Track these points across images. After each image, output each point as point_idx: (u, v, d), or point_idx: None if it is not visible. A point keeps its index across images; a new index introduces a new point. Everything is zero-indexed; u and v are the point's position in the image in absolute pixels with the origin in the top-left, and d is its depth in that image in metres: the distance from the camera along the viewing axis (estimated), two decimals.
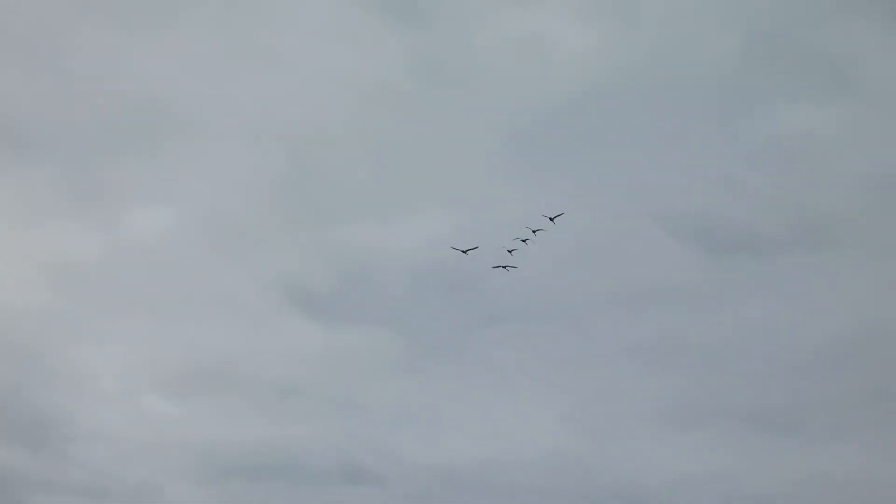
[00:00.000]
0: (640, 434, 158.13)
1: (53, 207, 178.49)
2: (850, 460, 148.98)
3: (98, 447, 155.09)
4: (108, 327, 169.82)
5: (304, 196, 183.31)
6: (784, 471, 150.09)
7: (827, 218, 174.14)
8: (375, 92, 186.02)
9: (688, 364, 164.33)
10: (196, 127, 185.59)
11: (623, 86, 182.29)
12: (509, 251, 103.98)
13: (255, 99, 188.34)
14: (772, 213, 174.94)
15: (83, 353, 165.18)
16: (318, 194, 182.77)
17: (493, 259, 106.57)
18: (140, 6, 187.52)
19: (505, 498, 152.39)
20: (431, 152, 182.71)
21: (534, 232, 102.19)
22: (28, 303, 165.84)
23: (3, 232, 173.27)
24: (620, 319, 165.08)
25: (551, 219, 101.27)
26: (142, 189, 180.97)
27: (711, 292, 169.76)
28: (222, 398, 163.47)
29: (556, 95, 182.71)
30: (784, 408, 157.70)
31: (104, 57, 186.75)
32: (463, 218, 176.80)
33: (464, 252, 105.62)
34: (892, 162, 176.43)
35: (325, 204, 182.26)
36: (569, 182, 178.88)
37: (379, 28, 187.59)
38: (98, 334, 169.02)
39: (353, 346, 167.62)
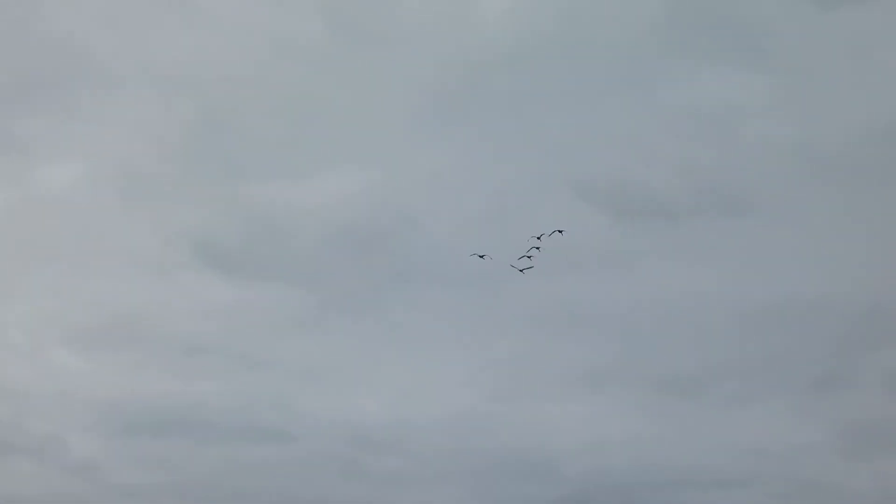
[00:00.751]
0: (551, 397, 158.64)
1: None
2: (763, 426, 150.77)
3: (2, 401, 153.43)
4: (14, 281, 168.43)
5: (215, 151, 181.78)
6: (696, 436, 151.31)
7: (741, 185, 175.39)
8: (291, 46, 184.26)
9: (599, 328, 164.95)
10: (105, 79, 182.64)
11: (541, 48, 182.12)
12: (528, 257, 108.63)
13: (166, 51, 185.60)
14: (686, 178, 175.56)
15: None
16: (230, 149, 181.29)
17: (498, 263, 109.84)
18: None
19: (413, 458, 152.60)
20: (345, 109, 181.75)
21: (539, 238, 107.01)
22: None
23: None
24: (531, 281, 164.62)
25: (560, 231, 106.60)
26: (49, 141, 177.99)
27: (624, 256, 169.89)
28: (129, 353, 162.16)
29: (474, 55, 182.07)
30: (696, 373, 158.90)
31: (11, 6, 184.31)
32: (377, 176, 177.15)
33: (481, 257, 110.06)
34: (809, 131, 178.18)
35: (236, 159, 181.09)
36: (484, 143, 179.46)
37: None
38: (4, 287, 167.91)
39: (261, 302, 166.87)
